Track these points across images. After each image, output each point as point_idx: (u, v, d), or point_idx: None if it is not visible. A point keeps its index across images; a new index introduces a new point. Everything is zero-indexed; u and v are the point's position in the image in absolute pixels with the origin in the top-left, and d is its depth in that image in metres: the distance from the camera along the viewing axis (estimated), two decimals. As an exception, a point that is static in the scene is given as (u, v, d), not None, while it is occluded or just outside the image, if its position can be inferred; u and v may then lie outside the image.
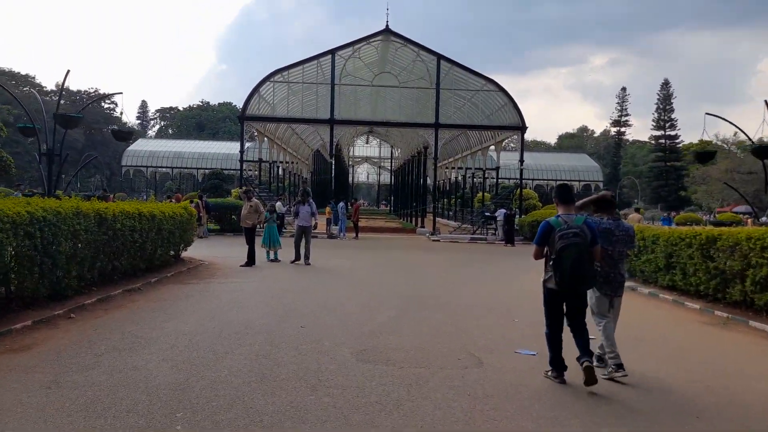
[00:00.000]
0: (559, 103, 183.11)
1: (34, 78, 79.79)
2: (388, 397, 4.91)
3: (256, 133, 32.31)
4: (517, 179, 32.75)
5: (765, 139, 22.31)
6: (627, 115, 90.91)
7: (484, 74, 29.41)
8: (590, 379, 5.21)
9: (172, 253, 13.32)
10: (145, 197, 47.96)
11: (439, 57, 28.56)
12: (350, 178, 70.34)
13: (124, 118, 37.64)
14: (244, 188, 18.85)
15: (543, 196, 48.73)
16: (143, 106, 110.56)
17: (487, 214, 28.12)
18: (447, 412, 4.62)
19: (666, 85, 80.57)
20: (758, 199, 38.57)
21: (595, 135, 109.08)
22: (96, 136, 78.39)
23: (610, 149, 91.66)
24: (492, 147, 33.82)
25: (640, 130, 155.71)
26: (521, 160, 29.71)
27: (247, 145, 31.45)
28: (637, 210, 26.65)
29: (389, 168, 66.32)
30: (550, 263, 5.49)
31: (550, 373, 5.56)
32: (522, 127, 29.03)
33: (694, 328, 8.43)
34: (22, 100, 17.26)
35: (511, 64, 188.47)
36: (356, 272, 13.99)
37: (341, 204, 26.00)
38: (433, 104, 28.60)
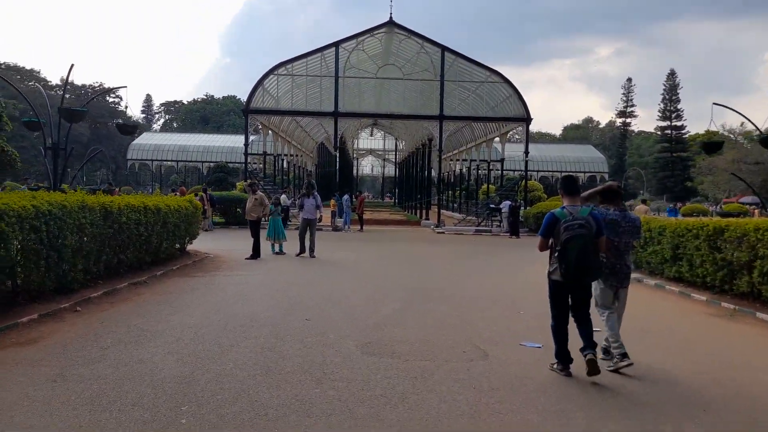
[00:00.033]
0: (564, 94, 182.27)
1: (38, 72, 79.77)
2: (393, 390, 4.91)
3: (260, 126, 32.25)
4: (522, 171, 32.68)
5: (772, 129, 22.11)
6: (633, 105, 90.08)
7: (489, 65, 29.22)
8: (593, 370, 5.22)
9: (177, 246, 13.37)
10: (150, 190, 48.09)
11: (443, 48, 28.36)
12: (355, 171, 70.29)
13: (129, 112, 37.41)
14: (248, 181, 18.84)
15: (548, 187, 48.44)
16: (148, 99, 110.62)
17: (492, 206, 28.05)
18: (452, 405, 4.61)
19: (672, 75, 79.68)
20: (765, 189, 38.36)
21: (601, 126, 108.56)
22: (101, 130, 78.48)
23: (616, 140, 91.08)
24: (497, 139, 33.70)
25: (646, 120, 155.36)
26: (526, 152, 29.70)
27: (251, 138, 31.45)
28: (644, 201, 26.54)
29: (394, 160, 66.23)
30: (555, 255, 5.47)
31: (555, 366, 5.54)
32: (527, 119, 28.86)
33: (700, 320, 8.40)
34: (27, 95, 17.28)
35: (515, 55, 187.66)
36: (361, 265, 13.99)
37: (346, 197, 25.98)
38: (438, 96, 28.47)
